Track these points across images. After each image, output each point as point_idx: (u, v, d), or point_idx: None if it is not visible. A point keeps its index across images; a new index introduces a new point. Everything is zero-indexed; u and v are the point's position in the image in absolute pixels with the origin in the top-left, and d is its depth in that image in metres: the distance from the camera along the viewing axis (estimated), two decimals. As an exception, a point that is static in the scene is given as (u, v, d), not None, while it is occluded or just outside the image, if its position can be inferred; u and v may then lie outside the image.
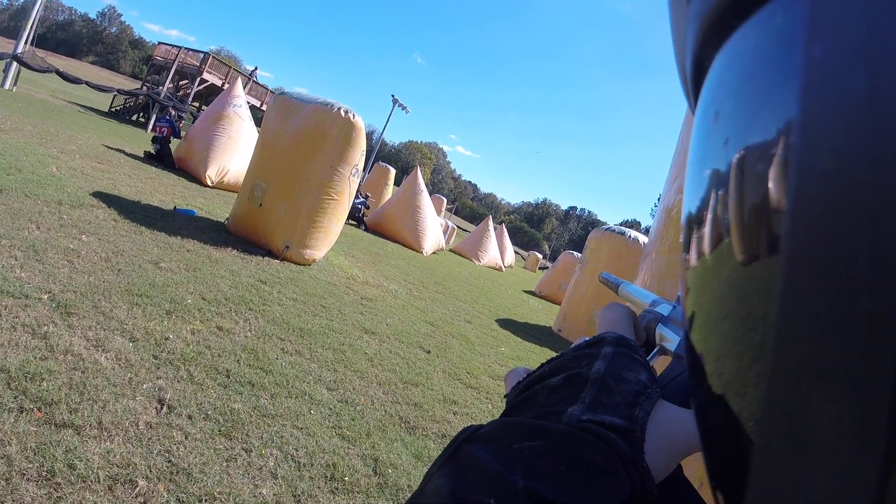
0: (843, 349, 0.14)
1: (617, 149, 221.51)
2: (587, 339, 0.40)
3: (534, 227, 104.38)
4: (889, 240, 0.14)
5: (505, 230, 27.32)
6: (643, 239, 9.64)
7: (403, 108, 38.58)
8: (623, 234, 9.62)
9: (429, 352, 5.31)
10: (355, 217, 14.86)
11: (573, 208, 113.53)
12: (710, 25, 0.23)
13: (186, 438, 2.36)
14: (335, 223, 7.05)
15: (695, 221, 0.23)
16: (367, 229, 14.80)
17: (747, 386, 0.19)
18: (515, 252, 32.36)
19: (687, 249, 0.24)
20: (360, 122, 6.84)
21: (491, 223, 21.50)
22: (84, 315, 3.18)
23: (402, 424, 3.40)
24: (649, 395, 0.34)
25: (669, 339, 0.47)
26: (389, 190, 19.93)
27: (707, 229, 0.22)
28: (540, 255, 38.84)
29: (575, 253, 18.68)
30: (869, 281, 0.14)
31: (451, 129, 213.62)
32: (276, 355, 3.67)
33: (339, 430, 2.96)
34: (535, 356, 7.31)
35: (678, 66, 0.29)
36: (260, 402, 2.93)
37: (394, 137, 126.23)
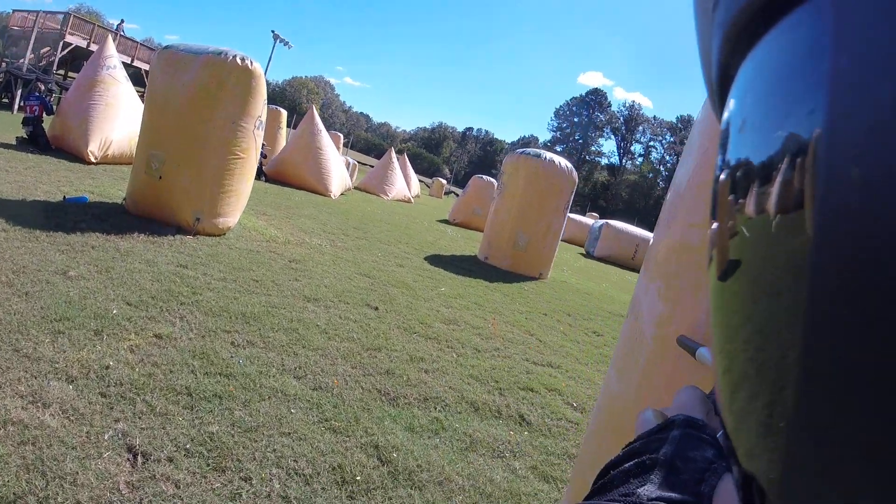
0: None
1: (507, 67, 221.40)
2: (657, 423, 0.43)
3: (432, 151, 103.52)
4: None
5: (407, 159, 26.89)
6: (558, 160, 9.77)
7: (286, 44, 36.51)
8: (539, 156, 9.65)
9: (376, 308, 5.16)
10: (259, 166, 13.99)
11: (470, 129, 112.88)
12: (735, 34, 0.23)
13: (178, 488, 2.09)
14: (245, 184, 6.53)
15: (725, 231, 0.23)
16: (267, 180, 13.95)
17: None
18: (420, 180, 32.14)
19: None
20: (259, 69, 6.25)
21: (394, 155, 21.02)
22: (7, 365, 2.67)
23: (383, 398, 3.28)
24: (714, 470, 0.36)
25: None
26: (283, 134, 18.90)
27: (748, 227, 0.21)
28: (444, 181, 38.85)
29: (484, 177, 18.77)
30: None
31: (338, 61, 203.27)
32: (228, 353, 3.36)
33: (327, 424, 2.80)
34: (473, 289, 7.36)
35: (704, 74, 0.29)
36: (235, 416, 2.67)
37: (277, 76, 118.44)
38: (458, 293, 6.87)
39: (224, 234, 6.45)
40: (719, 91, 0.26)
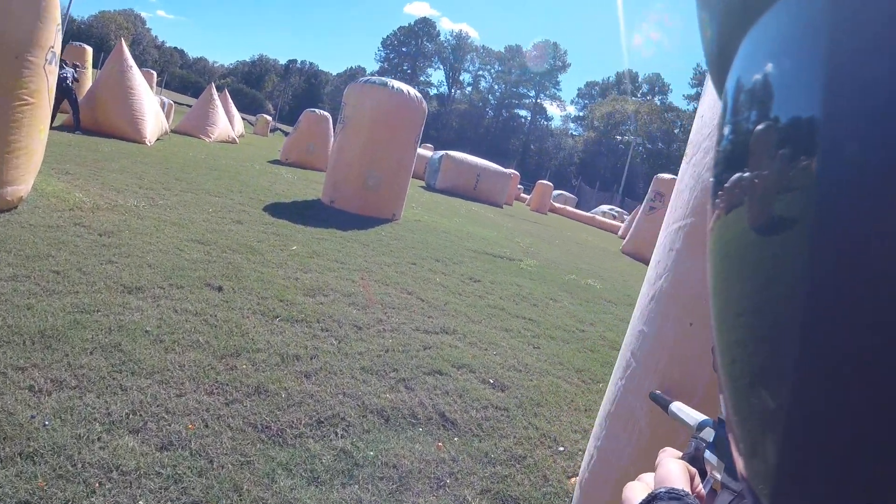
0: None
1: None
2: (642, 498, 0.46)
3: (254, 87, 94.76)
4: None
5: (228, 96, 23.88)
6: (406, 88, 8.81)
7: None
8: (385, 85, 8.55)
9: (220, 289, 4.06)
10: (69, 98, 11.12)
11: (293, 61, 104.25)
12: (735, 11, 0.23)
13: None
14: (37, 137, 4.77)
15: (723, 209, 0.23)
16: (81, 130, 11.20)
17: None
18: (243, 118, 29.11)
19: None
20: None
21: (214, 91, 18.37)
22: None
23: (263, 437, 2.36)
24: None
25: (715, 465, 0.50)
26: (89, 74, 15.65)
27: (733, 217, 0.22)
28: (269, 117, 35.63)
29: (317, 110, 17.12)
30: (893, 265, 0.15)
31: None
32: (28, 410, 2.17)
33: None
34: (328, 243, 6.40)
35: (705, 51, 0.28)
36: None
37: (81, 11, 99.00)
38: (312, 250, 5.89)
39: (15, 206, 4.75)
40: (719, 67, 0.26)
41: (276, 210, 7.81)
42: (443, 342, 3.99)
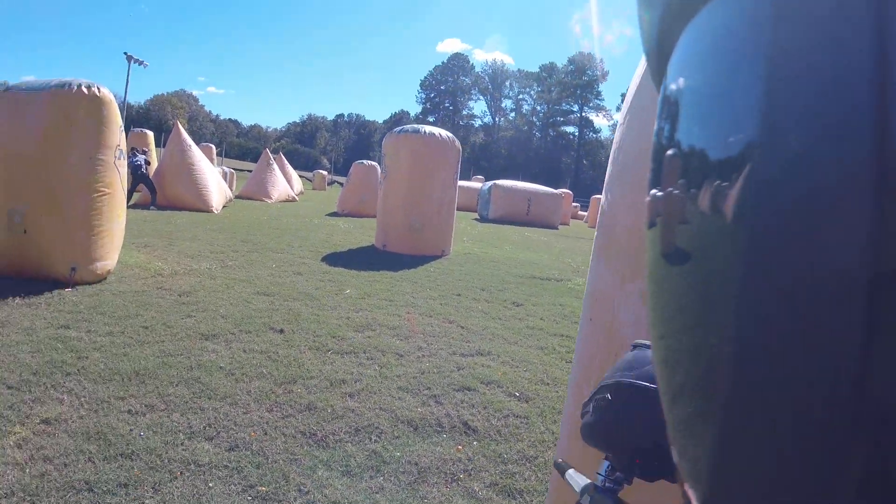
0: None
1: (365, 48, 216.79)
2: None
3: (307, 145, 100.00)
4: (855, 213, 0.14)
5: (284, 158, 25.68)
6: (438, 131, 9.52)
7: (141, 64, 36.00)
8: (418, 131, 9.35)
9: (282, 331, 4.72)
10: (146, 182, 12.69)
11: (340, 115, 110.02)
12: (674, 3, 0.23)
13: None
14: (117, 221, 5.85)
15: (660, 199, 0.22)
16: (156, 206, 12.70)
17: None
18: (300, 176, 30.92)
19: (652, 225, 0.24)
20: (109, 95, 5.59)
21: (270, 156, 19.92)
22: None
23: (310, 441, 2.93)
24: None
25: None
26: (154, 156, 17.46)
27: (669, 209, 0.21)
28: (324, 172, 37.69)
29: (365, 162, 18.23)
30: (838, 259, 0.15)
31: (197, 71, 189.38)
32: (127, 426, 2.87)
33: (253, 492, 2.42)
34: (379, 284, 7.04)
35: (643, 42, 0.28)
36: (145, 507, 2.24)
37: (138, 97, 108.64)
38: (364, 292, 6.52)
39: (105, 278, 5.76)
40: (658, 59, 0.26)
41: (333, 259, 8.56)
42: (476, 363, 4.46)
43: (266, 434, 2.93)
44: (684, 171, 0.20)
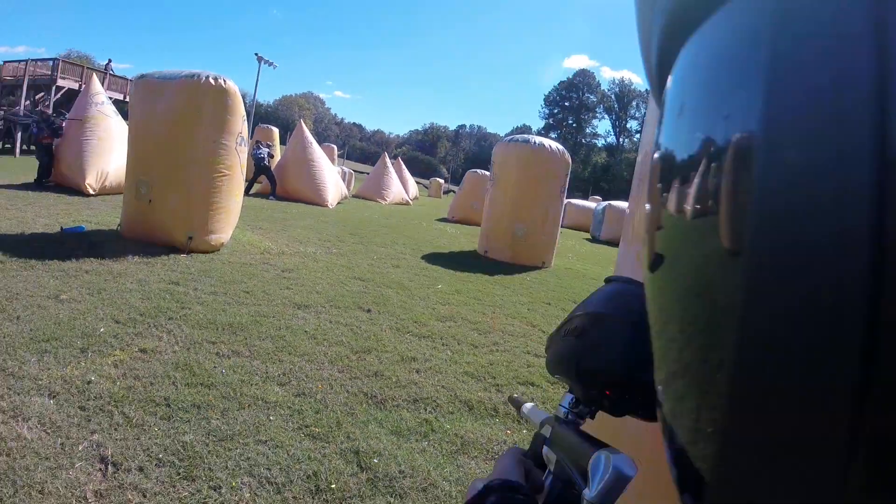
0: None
1: (492, 61, 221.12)
2: (478, 488, 0.51)
3: (427, 153, 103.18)
4: (854, 229, 0.14)
5: (402, 163, 26.79)
6: (548, 143, 9.58)
7: (270, 65, 37.66)
8: (527, 142, 9.47)
9: (369, 311, 5.03)
10: (267, 173, 13.96)
11: (462, 126, 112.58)
12: (676, 18, 0.23)
13: (145, 497, 2.03)
14: (234, 200, 6.54)
15: (659, 213, 0.23)
16: (275, 196, 13.90)
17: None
18: (417, 182, 32.03)
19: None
20: (234, 86, 6.27)
21: (388, 159, 20.92)
22: (-11, 384, 2.68)
23: (370, 401, 3.15)
24: None
25: (551, 459, 0.56)
26: (277, 151, 18.99)
27: (671, 224, 0.21)
28: (441, 180, 38.74)
29: (479, 171, 18.58)
30: (832, 276, 0.15)
31: (325, 76, 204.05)
32: (212, 363, 3.28)
33: (306, 430, 2.68)
34: (472, 284, 7.21)
35: (644, 58, 0.28)
36: (212, 425, 2.59)
37: (267, 97, 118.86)
38: (455, 289, 6.72)
39: (218, 249, 6.44)
40: (658, 75, 0.26)
41: (433, 258, 8.87)
42: (546, 361, 4.48)
43: (331, 388, 3.20)
44: (682, 183, 0.20)
